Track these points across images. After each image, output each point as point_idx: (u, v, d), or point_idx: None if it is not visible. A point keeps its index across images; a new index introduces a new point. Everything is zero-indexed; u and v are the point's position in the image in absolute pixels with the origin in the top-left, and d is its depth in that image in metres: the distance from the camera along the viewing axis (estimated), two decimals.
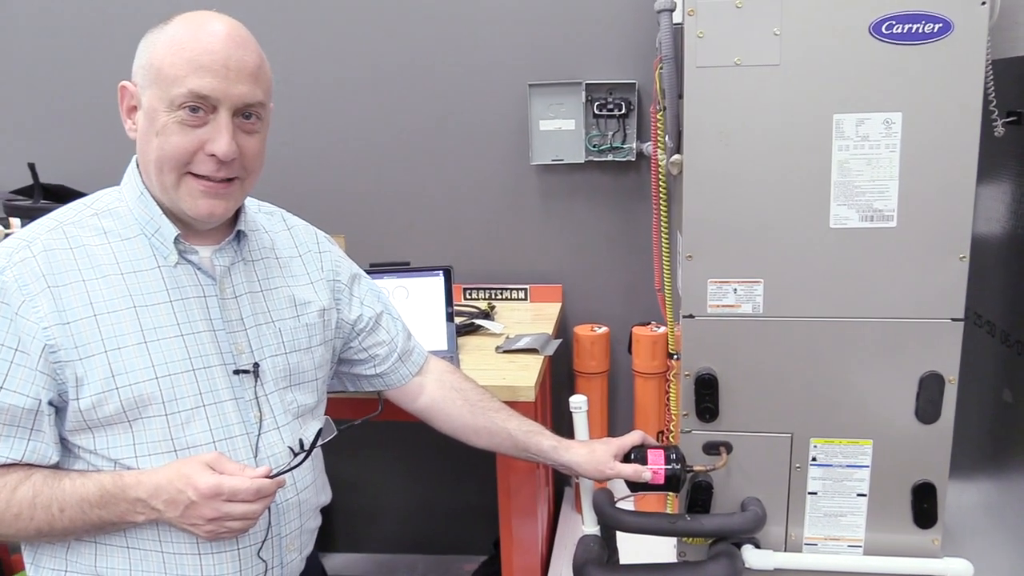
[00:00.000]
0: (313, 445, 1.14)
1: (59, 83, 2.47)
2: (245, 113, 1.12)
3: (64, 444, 1.11)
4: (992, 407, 1.71)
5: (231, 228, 1.22)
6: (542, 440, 1.38)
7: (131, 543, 1.12)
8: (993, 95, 1.38)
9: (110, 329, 1.08)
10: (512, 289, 2.36)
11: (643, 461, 1.37)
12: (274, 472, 1.09)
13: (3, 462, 1.06)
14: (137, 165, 1.17)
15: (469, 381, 1.47)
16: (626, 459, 1.37)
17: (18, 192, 2.31)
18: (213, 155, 1.09)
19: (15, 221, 2.23)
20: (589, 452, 1.36)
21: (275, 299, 1.25)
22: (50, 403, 1.07)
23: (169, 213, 1.15)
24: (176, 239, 1.14)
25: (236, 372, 1.17)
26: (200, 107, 1.07)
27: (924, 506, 1.45)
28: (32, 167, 2.24)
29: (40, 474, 1.08)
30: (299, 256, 1.32)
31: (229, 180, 1.12)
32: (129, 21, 2.27)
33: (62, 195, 2.25)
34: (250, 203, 1.28)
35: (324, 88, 2.35)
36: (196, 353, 1.13)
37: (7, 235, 2.12)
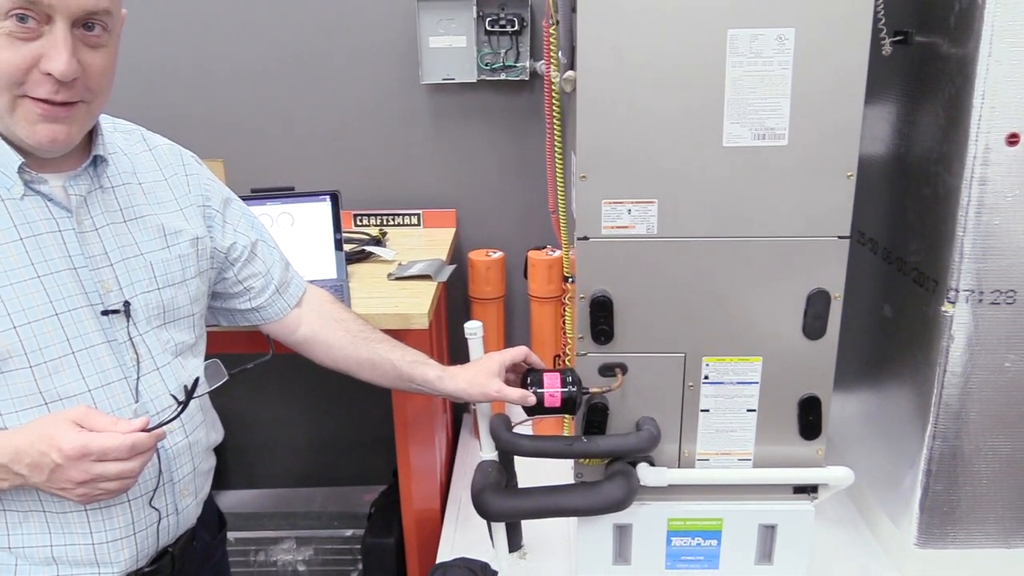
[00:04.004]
0: (191, 394, 1.04)
1: None
2: (87, 24, 0.96)
3: None
4: (873, 321, 1.78)
5: (85, 153, 1.08)
6: (427, 370, 1.35)
7: (7, 505, 1.02)
8: (882, 14, 1.38)
9: None
10: (404, 215, 2.29)
11: (539, 385, 1.36)
12: (153, 424, 0.98)
13: None
14: None
15: (349, 312, 1.41)
16: (523, 384, 1.36)
17: None
18: (50, 74, 0.94)
19: None
20: (472, 377, 1.34)
21: (141, 229, 1.13)
22: None
23: (9, 139, 1.00)
24: (20, 168, 1.00)
25: (105, 312, 1.06)
26: (30, 15, 0.92)
27: (810, 418, 1.49)
28: None
29: None
30: (164, 180, 1.19)
31: (72, 103, 0.98)
32: None
33: None
34: (104, 121, 1.12)
35: (197, 2, 2.17)
36: (57, 295, 1.02)
37: None
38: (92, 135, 1.09)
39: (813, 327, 1.44)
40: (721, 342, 1.46)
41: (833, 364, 1.46)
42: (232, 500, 2.60)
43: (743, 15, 1.31)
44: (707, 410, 1.50)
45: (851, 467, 1.51)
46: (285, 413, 2.58)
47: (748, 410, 1.50)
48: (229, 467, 2.61)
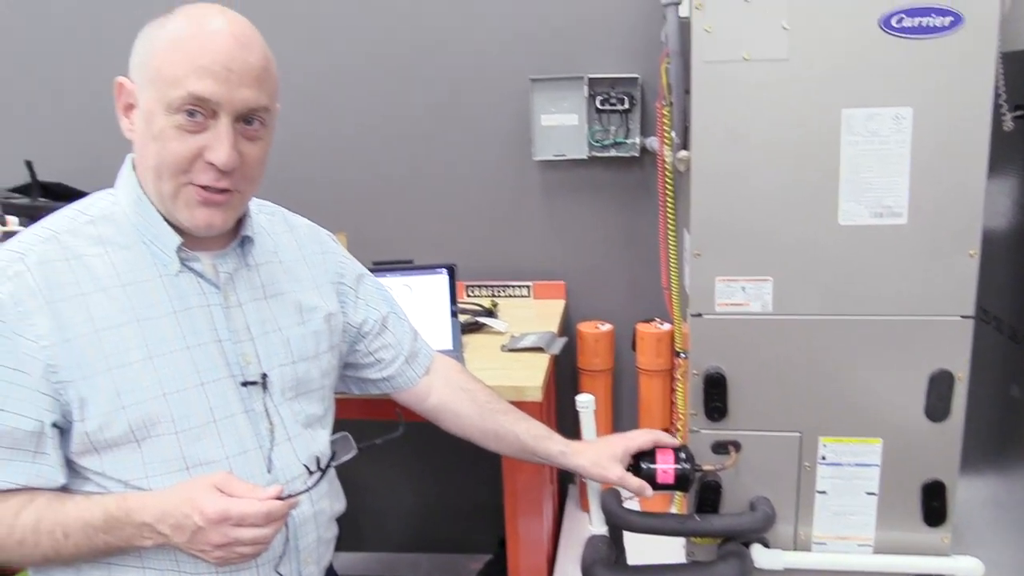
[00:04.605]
0: (326, 467, 1.09)
1: (57, 79, 2.44)
2: (247, 119, 1.06)
3: (71, 466, 1.06)
4: (999, 403, 1.71)
5: (233, 233, 1.17)
6: (550, 445, 1.36)
7: (146, 563, 1.07)
8: (1003, 89, 1.37)
9: (113, 346, 1.03)
10: (515, 286, 2.34)
11: (652, 460, 1.36)
12: (286, 494, 1.02)
13: (5, 487, 1.02)
14: (133, 167, 1.11)
15: (477, 381, 1.44)
16: (636, 462, 1.36)
17: (16, 190, 2.29)
18: (212, 164, 1.03)
19: (12, 219, 2.22)
20: (595, 457, 1.34)
21: (280, 306, 1.20)
22: (54, 425, 1.02)
23: (169, 219, 1.09)
24: (179, 247, 1.09)
25: (244, 384, 1.12)
26: (199, 111, 1.01)
27: (934, 504, 1.44)
28: (30, 165, 2.22)
29: (44, 498, 1.03)
30: (303, 259, 1.27)
31: (228, 190, 1.07)
32: (130, 13, 2.25)
33: (60, 193, 2.23)
34: (251, 204, 1.21)
35: (323, 82, 2.33)
36: (204, 366, 1.09)
37: (5, 233, 2.11)
38: (241, 217, 1.18)
39: (936, 409, 1.40)
40: (839, 422, 1.43)
41: (958, 448, 1.41)
42: (342, 562, 2.62)
43: (858, 95, 1.32)
44: (824, 492, 1.47)
45: (980, 557, 1.44)
46: (394, 478, 2.63)
47: (868, 493, 1.45)
48: (339, 529, 2.66)
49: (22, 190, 2.28)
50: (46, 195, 2.25)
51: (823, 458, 1.45)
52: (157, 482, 1.05)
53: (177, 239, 1.09)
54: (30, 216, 2.19)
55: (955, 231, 1.35)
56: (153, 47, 1.03)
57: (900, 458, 1.43)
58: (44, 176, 2.25)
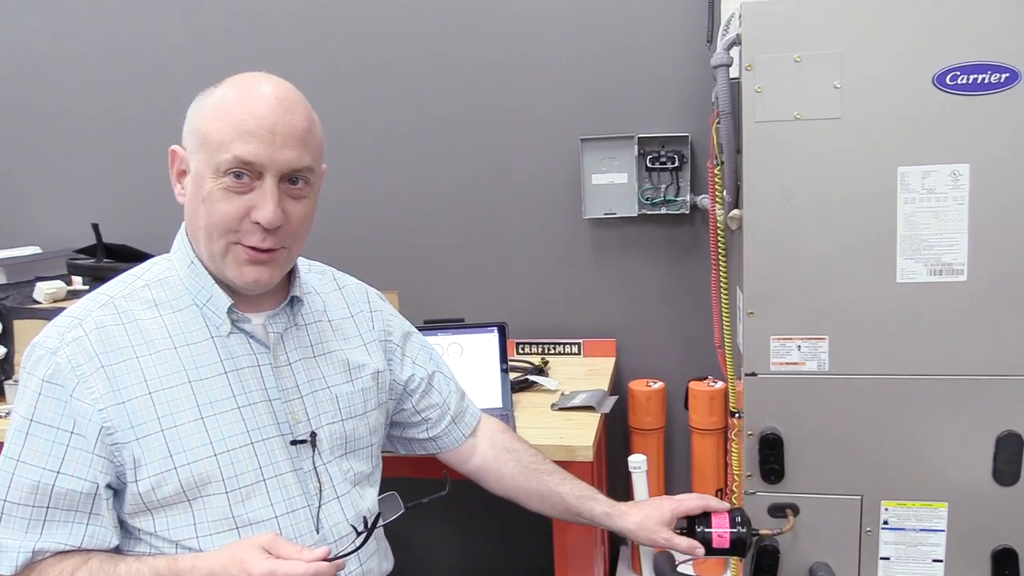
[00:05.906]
0: (372, 527, 1.08)
1: (123, 145, 2.54)
2: (292, 178, 1.08)
3: (124, 527, 1.08)
4: None
5: (283, 293, 1.19)
6: (595, 506, 1.34)
7: None
8: None
9: (166, 407, 1.06)
10: (565, 344, 2.33)
11: (708, 524, 1.33)
12: (333, 555, 1.02)
13: (62, 549, 1.04)
14: (186, 232, 1.15)
15: (521, 442, 1.44)
16: (690, 525, 1.33)
17: (82, 251, 2.37)
18: (258, 223, 1.06)
19: (77, 279, 2.29)
20: (642, 520, 1.30)
21: (329, 364, 1.22)
22: (108, 486, 1.04)
23: (220, 281, 1.12)
24: (229, 309, 1.11)
25: (293, 442, 1.14)
26: (245, 173, 1.04)
27: (1005, 573, 1.38)
28: (96, 227, 2.30)
29: (97, 559, 1.04)
30: (351, 317, 1.30)
31: (274, 248, 1.09)
32: (193, 82, 2.35)
33: (124, 255, 2.31)
34: (301, 264, 1.24)
35: (376, 143, 2.38)
36: (253, 425, 1.10)
37: (70, 292, 2.18)
38: (290, 276, 1.21)
39: (1004, 472, 1.35)
40: (901, 485, 1.39)
41: None
42: None
43: (913, 152, 1.32)
44: (887, 558, 1.42)
45: None
46: (441, 536, 2.61)
47: (934, 560, 1.40)
48: None
49: (88, 251, 2.36)
50: (110, 256, 2.33)
51: (885, 523, 1.41)
52: (208, 542, 1.07)
53: (228, 301, 1.11)
54: (94, 276, 2.26)
55: (1018, 288, 1.32)
56: (201, 114, 1.08)
57: (968, 523, 1.38)
58: (109, 238, 2.33)
